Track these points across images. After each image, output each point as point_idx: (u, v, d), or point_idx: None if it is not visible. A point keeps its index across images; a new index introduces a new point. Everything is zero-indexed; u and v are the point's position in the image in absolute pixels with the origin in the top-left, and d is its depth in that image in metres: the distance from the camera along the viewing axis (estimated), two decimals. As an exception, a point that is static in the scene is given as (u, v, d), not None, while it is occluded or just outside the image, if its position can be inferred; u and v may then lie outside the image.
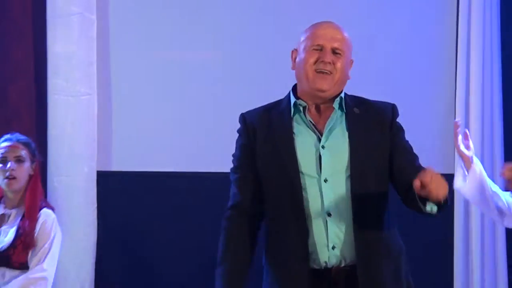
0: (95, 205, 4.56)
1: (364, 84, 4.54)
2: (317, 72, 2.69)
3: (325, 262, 2.65)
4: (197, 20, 4.66)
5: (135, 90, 4.64)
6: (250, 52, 4.64)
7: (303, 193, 2.64)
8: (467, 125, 4.64)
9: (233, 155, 2.81)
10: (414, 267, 4.74)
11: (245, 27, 4.68)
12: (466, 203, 4.64)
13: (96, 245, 4.55)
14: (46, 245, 3.58)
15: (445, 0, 4.77)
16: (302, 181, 2.64)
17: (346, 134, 2.68)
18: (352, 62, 2.80)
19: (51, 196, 4.48)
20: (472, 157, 2.98)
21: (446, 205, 2.53)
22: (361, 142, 2.67)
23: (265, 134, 2.72)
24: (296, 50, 2.79)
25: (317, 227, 2.63)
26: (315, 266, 2.66)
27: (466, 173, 3.01)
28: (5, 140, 3.64)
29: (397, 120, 2.80)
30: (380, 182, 2.70)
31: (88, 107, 4.53)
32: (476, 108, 4.65)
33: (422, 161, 4.93)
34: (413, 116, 4.61)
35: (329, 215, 2.63)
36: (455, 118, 4.67)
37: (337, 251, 2.64)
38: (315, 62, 2.69)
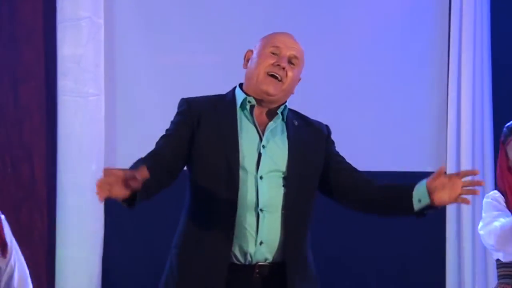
0: (103, 202, 4.63)
1: (357, 85, 4.65)
2: (269, 74, 2.67)
3: (250, 258, 2.61)
4: (202, 24, 4.68)
5: (140, 91, 4.67)
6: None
7: (240, 184, 2.60)
8: (458, 125, 4.70)
9: (166, 130, 2.76)
10: (406, 267, 4.87)
11: (251, 31, 4.52)
12: (458, 204, 4.61)
13: (103, 241, 4.60)
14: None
15: (437, 2, 4.81)
16: (240, 173, 2.61)
17: (286, 141, 2.69)
18: (300, 80, 2.78)
19: (60, 193, 4.53)
20: None
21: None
22: (299, 150, 2.68)
23: (210, 121, 2.69)
24: (251, 50, 2.78)
25: (248, 220, 2.60)
26: (236, 261, 2.62)
27: None
28: None
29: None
30: (310, 190, 2.72)
31: (96, 107, 4.56)
32: (467, 108, 4.70)
33: (415, 160, 5.07)
34: (405, 115, 4.74)
35: (262, 211, 2.61)
36: (447, 118, 4.73)
37: (264, 247, 2.61)
38: (270, 65, 2.68)
